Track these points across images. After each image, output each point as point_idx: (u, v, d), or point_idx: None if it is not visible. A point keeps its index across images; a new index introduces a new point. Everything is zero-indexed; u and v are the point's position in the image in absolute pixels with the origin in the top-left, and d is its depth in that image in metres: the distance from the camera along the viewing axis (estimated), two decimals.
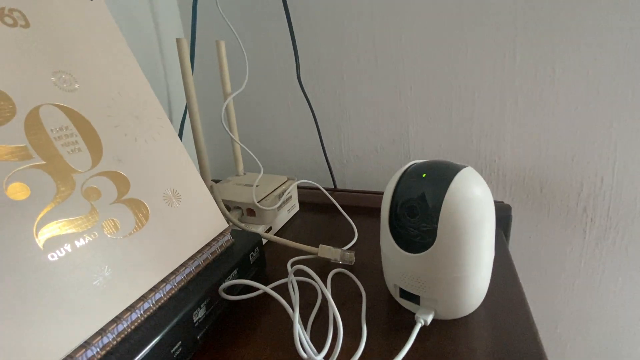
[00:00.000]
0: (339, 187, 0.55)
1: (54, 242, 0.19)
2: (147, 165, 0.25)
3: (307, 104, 0.48)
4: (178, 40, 0.34)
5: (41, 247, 0.18)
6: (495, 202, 0.43)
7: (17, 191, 0.18)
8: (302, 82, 0.48)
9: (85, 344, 0.18)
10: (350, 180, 0.56)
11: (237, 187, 0.43)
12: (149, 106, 0.27)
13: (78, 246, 0.20)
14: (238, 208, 0.40)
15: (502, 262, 0.33)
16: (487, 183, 0.50)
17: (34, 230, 0.18)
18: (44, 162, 0.19)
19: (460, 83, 0.47)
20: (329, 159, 0.54)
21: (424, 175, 0.24)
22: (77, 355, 0.18)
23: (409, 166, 0.26)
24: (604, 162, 0.46)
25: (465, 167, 0.24)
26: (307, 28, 0.50)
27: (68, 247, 0.19)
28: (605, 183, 0.47)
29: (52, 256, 0.18)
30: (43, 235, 0.18)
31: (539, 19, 0.42)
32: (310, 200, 0.49)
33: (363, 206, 0.47)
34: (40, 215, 0.18)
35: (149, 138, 0.26)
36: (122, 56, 0.26)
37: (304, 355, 0.22)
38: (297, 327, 0.23)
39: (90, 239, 0.20)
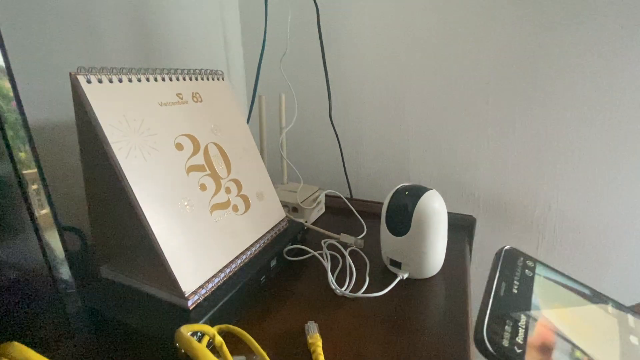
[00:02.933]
0: (354, 196, 0.73)
1: (215, 214, 0.37)
2: (249, 176, 0.44)
3: (335, 135, 0.67)
4: (259, 97, 0.53)
5: (211, 214, 0.37)
6: (465, 215, 0.60)
7: (203, 188, 0.37)
8: (333, 120, 0.67)
9: (227, 266, 0.37)
10: (362, 192, 0.74)
11: (283, 191, 0.62)
12: (249, 143, 0.46)
13: (223, 217, 0.38)
14: (285, 206, 0.58)
15: (459, 253, 0.50)
16: (463, 201, 0.68)
17: (209, 207, 0.37)
18: (210, 172, 0.39)
19: (448, 127, 0.65)
20: (348, 175, 0.72)
21: (406, 192, 0.42)
22: (226, 268, 0.36)
23: (399, 187, 0.44)
24: (551, 193, 0.62)
25: (431, 189, 0.42)
26: (339, 80, 0.69)
27: (220, 217, 0.38)
28: (552, 208, 0.63)
29: (216, 220, 0.37)
30: (211, 210, 0.37)
31: (504, 87, 0.60)
32: (332, 205, 0.67)
33: (370, 211, 0.65)
34: (211, 199, 0.37)
35: (250, 161, 0.45)
36: (236, 112, 0.46)
37: (332, 286, 0.40)
38: (329, 274, 0.41)
39: (228, 214, 0.39)
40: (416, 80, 0.64)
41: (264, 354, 0.30)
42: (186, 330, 0.22)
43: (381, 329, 0.36)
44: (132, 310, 0.33)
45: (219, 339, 0.29)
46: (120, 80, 0.33)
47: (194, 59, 0.65)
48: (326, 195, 0.67)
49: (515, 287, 0.25)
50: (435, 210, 0.41)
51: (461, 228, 0.57)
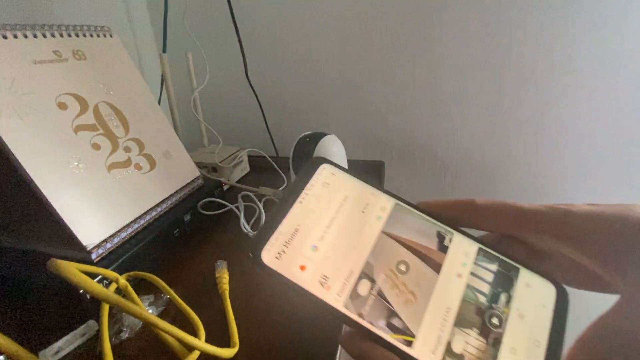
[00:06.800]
0: (280, 154, 0.76)
1: (114, 172, 0.38)
2: (153, 135, 0.44)
3: (254, 94, 0.67)
4: (161, 55, 0.51)
5: (109, 172, 0.37)
6: (374, 161, 0.65)
7: (97, 147, 0.37)
8: (250, 78, 0.67)
9: (134, 221, 0.38)
10: (288, 149, 0.77)
11: (203, 154, 0.62)
12: (150, 102, 0.45)
13: (124, 175, 0.39)
14: (205, 167, 0.59)
15: None
16: (379, 149, 0.74)
17: (106, 166, 0.37)
18: (103, 132, 0.38)
19: (361, 81, 0.68)
20: (272, 133, 0.74)
21: (307, 139, 0.46)
22: (133, 224, 0.38)
23: (302, 135, 0.47)
24: (450, 132, 0.70)
25: (330, 134, 0.46)
26: (252, 37, 0.69)
27: (120, 174, 0.38)
28: (451, 147, 0.71)
29: (116, 178, 0.37)
30: (109, 168, 0.37)
31: (403, 44, 0.64)
32: (259, 164, 0.69)
33: None
34: (107, 158, 0.37)
35: (151, 120, 0.45)
36: (131, 71, 0.44)
37: (245, 230, 0.43)
38: (242, 219, 0.44)
39: (130, 171, 0.39)
40: (330, 37, 0.66)
41: (172, 291, 0.33)
42: (77, 267, 0.24)
43: None
44: (37, 272, 0.34)
45: (123, 282, 0.31)
46: None
47: (91, 15, 0.60)
48: (252, 156, 0.69)
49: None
50: (333, 153, 0.45)
51: (372, 173, 0.63)
